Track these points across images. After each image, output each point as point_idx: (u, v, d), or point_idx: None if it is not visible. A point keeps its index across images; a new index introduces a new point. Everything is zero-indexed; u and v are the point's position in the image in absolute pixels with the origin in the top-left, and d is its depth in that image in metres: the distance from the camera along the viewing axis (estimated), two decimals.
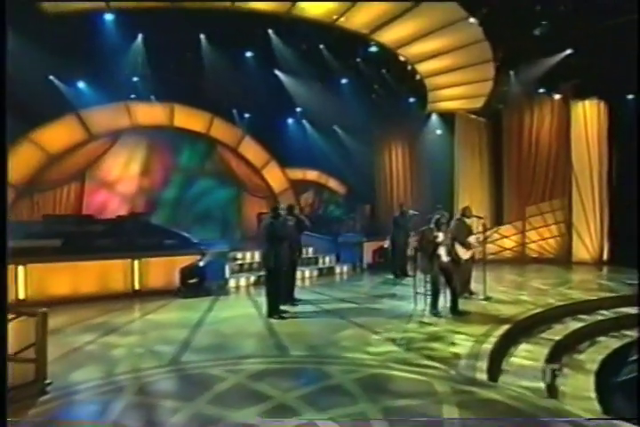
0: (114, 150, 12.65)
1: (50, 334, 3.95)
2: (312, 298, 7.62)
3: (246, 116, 14.08)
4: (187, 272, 7.78)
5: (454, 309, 6.41)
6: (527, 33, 8.51)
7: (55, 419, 3.32)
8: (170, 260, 8.16)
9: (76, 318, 6.14)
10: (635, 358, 5.58)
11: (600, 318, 6.93)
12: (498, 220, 13.33)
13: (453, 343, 4.97)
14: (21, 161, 10.89)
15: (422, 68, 10.50)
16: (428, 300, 6.54)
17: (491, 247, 12.40)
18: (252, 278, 8.99)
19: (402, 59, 10.10)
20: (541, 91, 11.81)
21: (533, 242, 12.55)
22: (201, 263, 7.86)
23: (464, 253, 7.51)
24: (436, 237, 6.48)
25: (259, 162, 15.45)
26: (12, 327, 3.57)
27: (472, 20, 8.22)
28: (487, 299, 7.36)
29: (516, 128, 12.98)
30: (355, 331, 5.53)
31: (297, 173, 16.59)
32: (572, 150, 12.06)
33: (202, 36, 9.96)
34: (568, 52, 9.59)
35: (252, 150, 15.19)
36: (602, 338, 6.18)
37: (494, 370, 4.42)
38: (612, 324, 6.74)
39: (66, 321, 5.91)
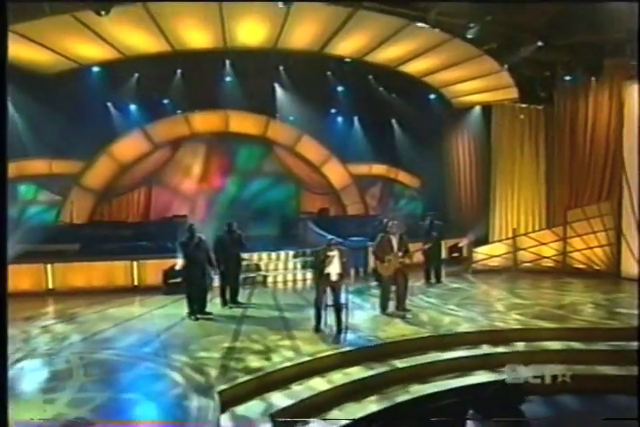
0: (176, 157, 15.73)
1: (28, 319, 7.65)
2: (255, 303, 9.35)
3: (290, 118, 15.79)
4: (169, 273, 10.15)
5: (339, 327, 7.45)
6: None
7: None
8: (165, 262, 10.62)
9: (64, 306, 9.02)
10: None
11: (489, 351, 7.07)
12: (548, 224, 12.85)
13: (243, 361, 6.19)
14: (100, 171, 14.59)
15: (408, 69, 10.87)
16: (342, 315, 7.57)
17: (526, 255, 12.31)
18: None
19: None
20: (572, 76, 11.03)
21: (577, 251, 11.87)
22: (177, 267, 10.11)
23: (384, 270, 8.35)
24: (328, 256, 7.54)
25: (318, 159, 17.05)
26: None
27: (420, 24, 8.56)
28: (402, 317, 8.14)
29: (568, 118, 12.23)
30: (220, 338, 7.11)
31: (361, 169, 17.72)
32: (623, 143, 11.05)
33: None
34: (539, 44, 8.99)
35: (310, 148, 16.85)
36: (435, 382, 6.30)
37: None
38: (503, 359, 6.77)
39: (53, 309, 8.81)
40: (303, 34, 9.44)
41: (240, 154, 16.51)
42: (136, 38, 9.37)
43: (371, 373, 6.33)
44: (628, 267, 11.06)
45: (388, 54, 10.25)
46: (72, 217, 13.36)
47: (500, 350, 7.18)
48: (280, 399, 5.52)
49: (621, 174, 11.22)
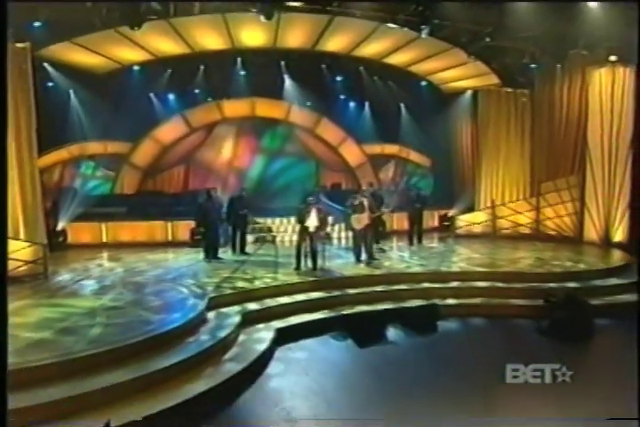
0: (209, 139, 18.33)
1: (87, 259, 10.43)
2: (259, 253, 11.79)
3: (307, 104, 17.95)
4: (194, 231, 12.77)
5: (314, 266, 9.77)
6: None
7: None
8: (192, 223, 13.22)
9: (113, 253, 11.84)
10: None
11: (426, 286, 9.13)
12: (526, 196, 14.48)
13: (233, 283, 8.68)
14: (145, 151, 17.39)
15: (392, 61, 12.79)
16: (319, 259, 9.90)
17: (504, 223, 14.11)
18: (251, 238, 13.42)
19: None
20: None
21: (549, 219, 13.52)
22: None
23: (356, 225, 10.53)
24: (308, 212, 9.83)
25: (335, 140, 19.18)
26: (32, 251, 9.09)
27: (390, 24, 10.50)
28: (368, 263, 10.33)
29: (545, 100, 13.78)
30: (222, 271, 9.62)
31: (375, 148, 19.66)
32: (588, 123, 12.56)
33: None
34: (487, 40, 10.65)
35: (328, 131, 18.98)
36: None
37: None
38: (435, 292, 8.96)
39: (106, 254, 11.64)
40: (295, 36, 11.67)
41: (266, 136, 18.87)
42: (164, 44, 11.95)
43: (326, 295, 8.61)
44: (589, 233, 12.69)
45: (370, 50, 12.27)
46: (122, 189, 16.27)
47: (436, 286, 9.25)
48: (252, 306, 7.92)
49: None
